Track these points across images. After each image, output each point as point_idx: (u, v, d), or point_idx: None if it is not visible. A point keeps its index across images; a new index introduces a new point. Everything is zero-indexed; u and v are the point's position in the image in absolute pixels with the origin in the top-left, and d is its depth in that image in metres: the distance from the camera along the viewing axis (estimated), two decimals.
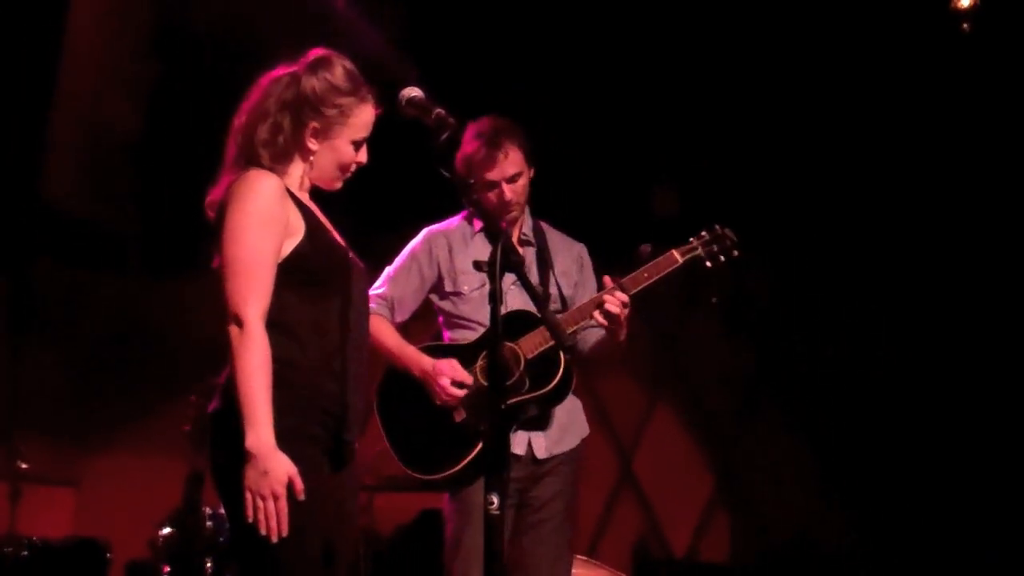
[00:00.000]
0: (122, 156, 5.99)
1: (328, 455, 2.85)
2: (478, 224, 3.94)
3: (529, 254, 3.94)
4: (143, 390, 6.35)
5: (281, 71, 2.98)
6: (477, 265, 2.81)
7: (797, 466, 6.78)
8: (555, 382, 3.75)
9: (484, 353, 3.79)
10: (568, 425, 3.92)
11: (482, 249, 3.80)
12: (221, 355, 2.80)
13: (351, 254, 3.01)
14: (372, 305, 3.79)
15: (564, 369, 3.77)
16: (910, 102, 5.97)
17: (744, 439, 7.02)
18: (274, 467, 2.68)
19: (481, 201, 3.70)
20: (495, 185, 3.83)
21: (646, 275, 3.80)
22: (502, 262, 2.71)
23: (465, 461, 3.73)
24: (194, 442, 4.86)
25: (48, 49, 5.58)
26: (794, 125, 6.17)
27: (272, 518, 2.68)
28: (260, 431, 2.69)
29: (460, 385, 3.74)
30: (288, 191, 2.90)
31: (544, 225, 4.05)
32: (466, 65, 5.61)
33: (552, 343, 3.70)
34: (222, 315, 2.78)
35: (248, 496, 2.68)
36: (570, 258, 4.01)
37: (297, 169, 2.96)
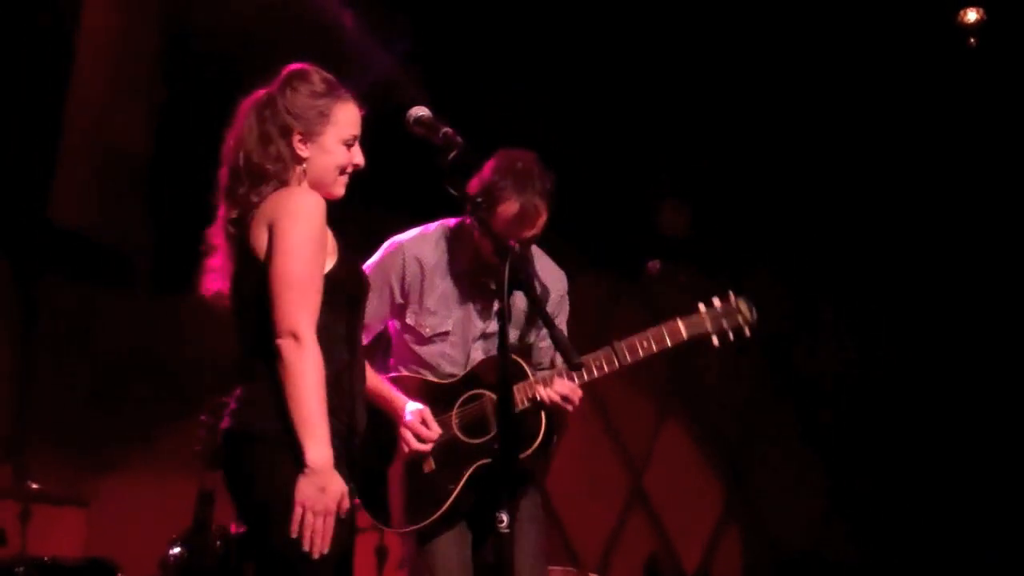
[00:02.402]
0: (131, 176, 6.01)
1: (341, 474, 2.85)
2: (461, 259, 3.64)
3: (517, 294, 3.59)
4: (153, 409, 6.35)
5: (259, 93, 3.01)
6: (484, 285, 2.77)
7: (807, 481, 6.77)
8: (535, 445, 3.48)
9: (464, 398, 3.56)
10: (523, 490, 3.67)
11: (451, 292, 3.59)
12: (237, 373, 2.81)
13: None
14: None
15: (545, 431, 3.49)
16: (918, 118, 5.97)
17: (754, 454, 7.01)
18: (332, 485, 2.71)
19: (488, 234, 3.38)
20: (520, 238, 3.48)
21: (645, 345, 3.51)
22: (511, 280, 2.71)
23: (430, 519, 3.49)
24: (204, 461, 4.86)
25: (58, 70, 5.60)
26: (801, 140, 6.18)
27: (319, 535, 2.70)
28: (321, 447, 2.71)
29: (423, 440, 3.47)
30: None
31: (535, 250, 3.72)
32: (472, 80, 5.63)
33: (532, 401, 3.46)
34: (271, 331, 2.75)
35: (299, 510, 2.69)
36: (554, 293, 3.70)
37: (296, 182, 2.96)
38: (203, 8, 5.41)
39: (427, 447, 3.48)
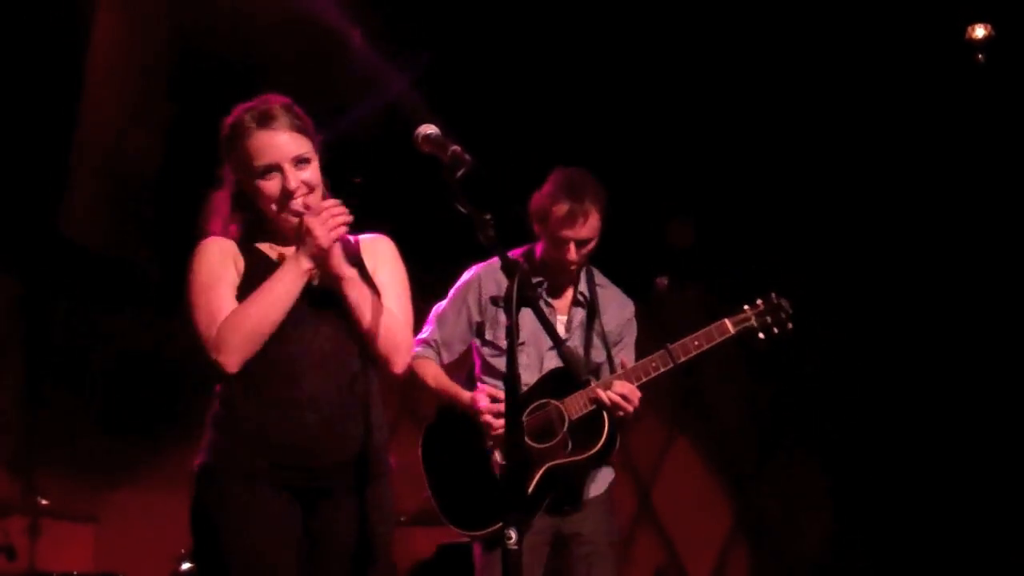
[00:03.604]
0: (141, 192, 6.03)
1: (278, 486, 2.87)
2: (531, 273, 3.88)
3: (579, 314, 3.92)
4: (163, 425, 6.36)
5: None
6: (494, 301, 2.81)
7: (816, 498, 6.75)
8: (598, 446, 3.72)
9: (533, 406, 3.78)
10: (596, 472, 3.90)
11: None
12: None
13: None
14: (417, 349, 3.85)
15: (608, 433, 3.72)
16: (927, 134, 5.97)
17: (763, 471, 6.99)
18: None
19: (545, 251, 3.82)
20: (566, 242, 3.79)
21: (696, 343, 3.74)
22: (518, 297, 2.71)
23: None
24: None
25: (68, 88, 5.63)
26: (811, 158, 6.18)
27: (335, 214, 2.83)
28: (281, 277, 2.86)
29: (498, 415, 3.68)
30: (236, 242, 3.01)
31: (600, 279, 4.00)
32: (480, 98, 5.64)
33: (594, 402, 3.69)
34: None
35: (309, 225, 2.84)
36: (620, 318, 3.96)
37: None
38: (213, 26, 5.44)
39: (500, 423, 3.64)
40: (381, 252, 3.11)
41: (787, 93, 5.93)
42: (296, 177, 2.90)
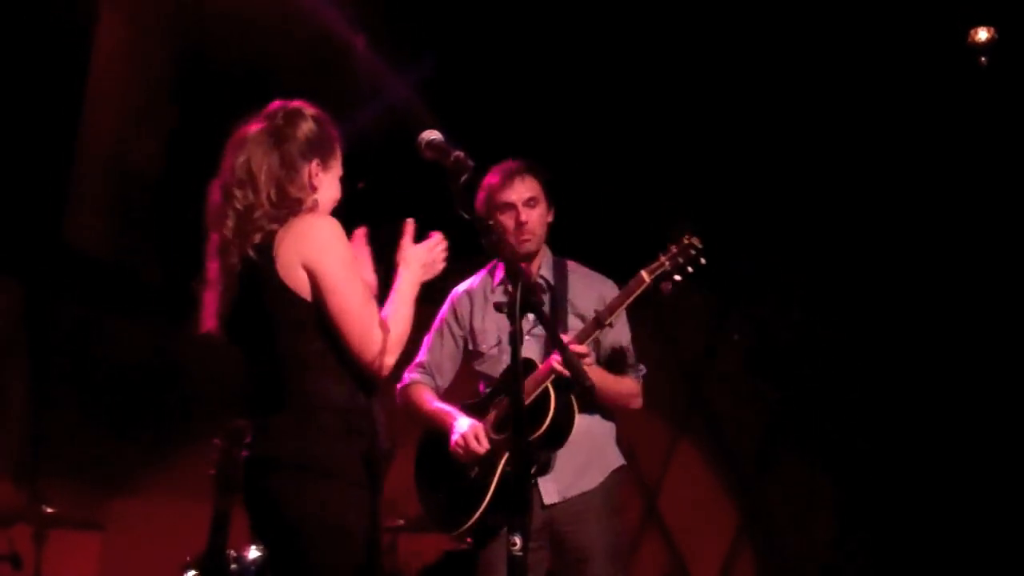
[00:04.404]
0: (144, 200, 6.03)
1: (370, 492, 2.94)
2: (499, 275, 4.00)
3: (543, 299, 3.96)
4: (167, 433, 6.36)
5: (253, 127, 3.05)
6: (498, 307, 2.82)
7: (822, 503, 6.73)
8: (544, 427, 3.72)
9: (494, 402, 3.87)
10: (585, 465, 3.90)
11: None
12: (254, 403, 2.86)
13: None
14: (413, 375, 4.01)
15: (553, 412, 3.73)
16: (929, 137, 5.97)
17: (768, 476, 6.98)
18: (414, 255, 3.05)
19: (498, 230, 3.83)
20: (512, 207, 3.90)
21: (619, 301, 3.81)
22: (522, 302, 2.72)
23: (476, 515, 3.74)
24: (219, 485, 4.84)
25: (71, 95, 5.63)
26: (815, 162, 6.17)
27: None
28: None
29: (471, 451, 3.77)
30: None
31: (571, 264, 4.06)
32: (481, 105, 5.64)
33: (543, 388, 3.72)
34: (301, 361, 2.93)
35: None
36: (590, 299, 3.96)
37: (308, 211, 3.02)
38: (215, 33, 5.45)
39: (471, 455, 3.77)
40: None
41: (790, 96, 5.92)
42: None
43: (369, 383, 2.97)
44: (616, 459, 3.99)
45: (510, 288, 3.67)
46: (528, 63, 5.71)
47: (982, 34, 5.47)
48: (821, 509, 6.75)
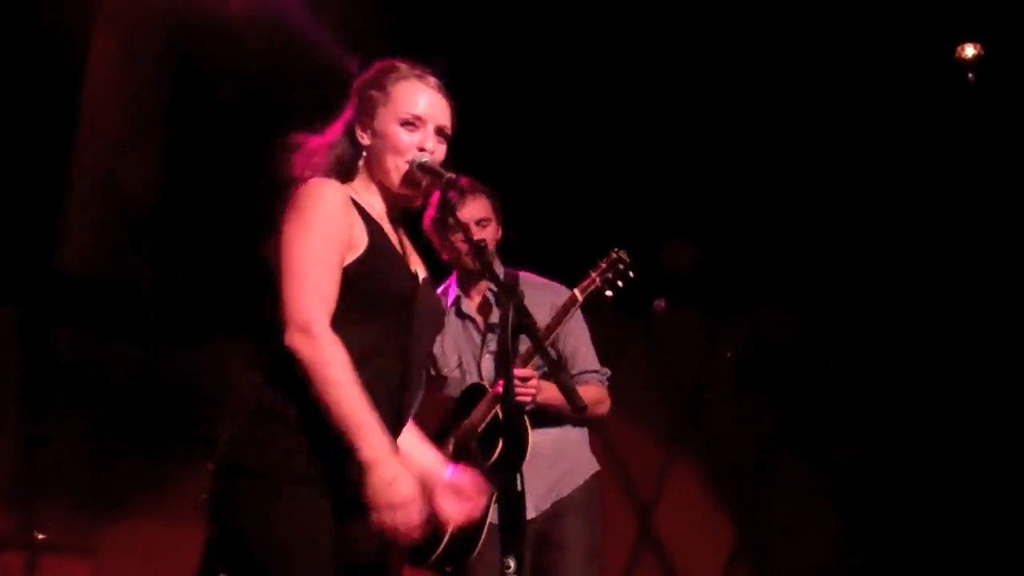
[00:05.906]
0: (139, 222, 6.03)
1: (344, 504, 2.51)
2: (452, 293, 3.98)
3: (495, 315, 3.94)
4: (160, 458, 6.33)
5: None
6: (491, 327, 2.81)
7: (818, 519, 6.73)
8: (498, 450, 3.67)
9: (451, 429, 3.82)
10: (560, 476, 3.90)
11: (453, 329, 3.91)
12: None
13: (419, 287, 2.72)
14: None
15: (508, 435, 3.59)
16: (918, 152, 6.00)
17: (764, 493, 6.98)
18: (397, 474, 2.41)
19: (452, 261, 3.89)
20: (464, 229, 3.82)
21: (555, 322, 3.80)
22: (515, 323, 2.71)
23: (441, 546, 3.70)
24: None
25: (65, 115, 5.64)
26: (807, 177, 6.19)
27: (403, 530, 2.42)
28: (372, 439, 2.40)
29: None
30: (354, 202, 2.63)
31: (523, 276, 4.02)
32: (475, 118, 5.64)
33: (495, 411, 3.72)
34: (280, 329, 2.46)
35: (376, 514, 2.40)
36: (543, 309, 3.85)
37: (362, 183, 2.73)
38: (211, 53, 5.45)
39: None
40: None
41: (783, 111, 5.95)
42: (434, 140, 2.72)
43: (370, 371, 2.51)
44: (590, 466, 3.99)
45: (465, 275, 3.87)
46: (528, 63, 5.71)
47: (969, 50, 5.50)
48: (818, 525, 6.74)
